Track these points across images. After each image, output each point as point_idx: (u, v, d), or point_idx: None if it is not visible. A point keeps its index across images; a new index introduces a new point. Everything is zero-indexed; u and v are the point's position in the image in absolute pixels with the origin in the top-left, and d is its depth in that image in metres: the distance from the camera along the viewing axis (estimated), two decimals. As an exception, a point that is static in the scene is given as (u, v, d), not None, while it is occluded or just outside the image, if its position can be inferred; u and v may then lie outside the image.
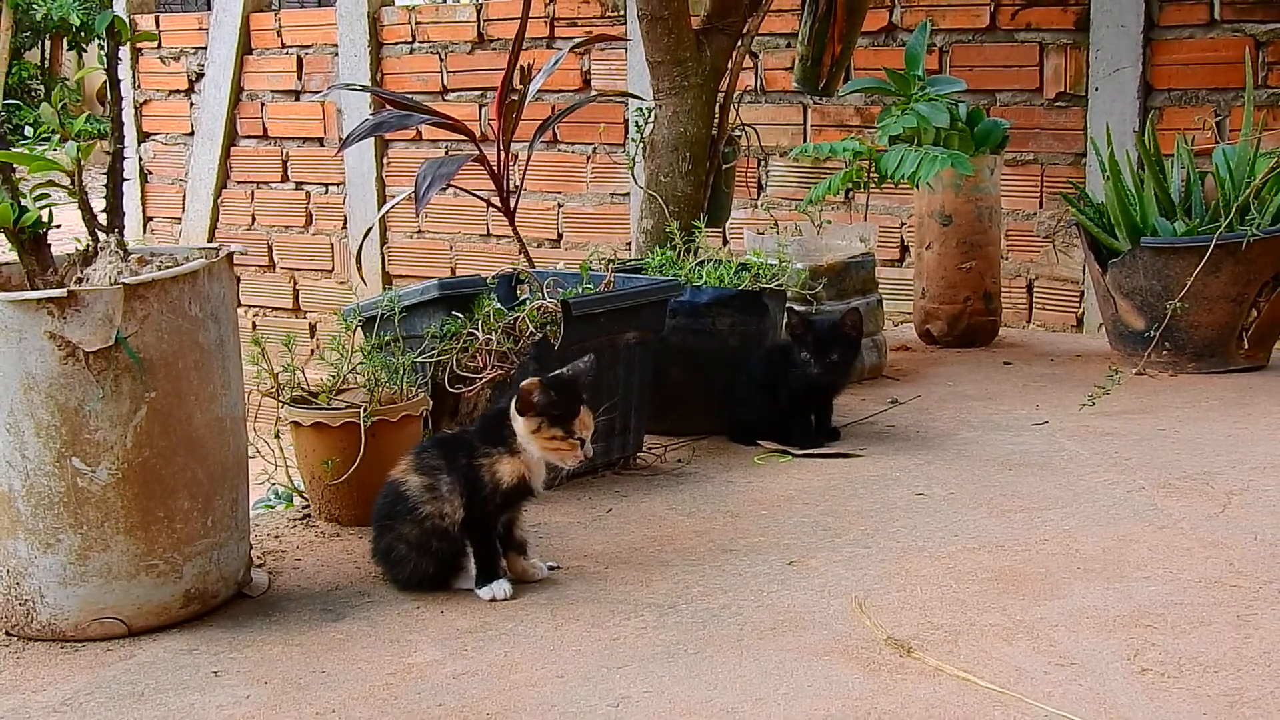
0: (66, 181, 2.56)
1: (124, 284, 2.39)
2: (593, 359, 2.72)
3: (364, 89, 5.50)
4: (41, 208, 2.53)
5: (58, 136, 2.59)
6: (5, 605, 2.50)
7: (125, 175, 2.67)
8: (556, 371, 2.76)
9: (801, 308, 4.00)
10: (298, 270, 7.59)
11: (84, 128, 2.60)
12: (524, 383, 2.65)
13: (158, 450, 2.45)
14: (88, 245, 2.59)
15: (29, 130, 2.71)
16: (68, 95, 2.68)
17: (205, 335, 2.51)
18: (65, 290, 2.36)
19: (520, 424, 2.65)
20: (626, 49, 6.20)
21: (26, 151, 2.56)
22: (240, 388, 2.67)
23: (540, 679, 2.29)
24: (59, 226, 2.58)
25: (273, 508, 3.43)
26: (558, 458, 2.66)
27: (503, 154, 4.05)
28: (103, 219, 2.61)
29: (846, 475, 3.44)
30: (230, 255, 2.63)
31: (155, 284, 2.43)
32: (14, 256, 2.58)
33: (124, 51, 2.63)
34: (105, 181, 2.63)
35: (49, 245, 2.57)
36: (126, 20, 2.54)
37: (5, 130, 2.60)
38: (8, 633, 2.53)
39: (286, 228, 7.59)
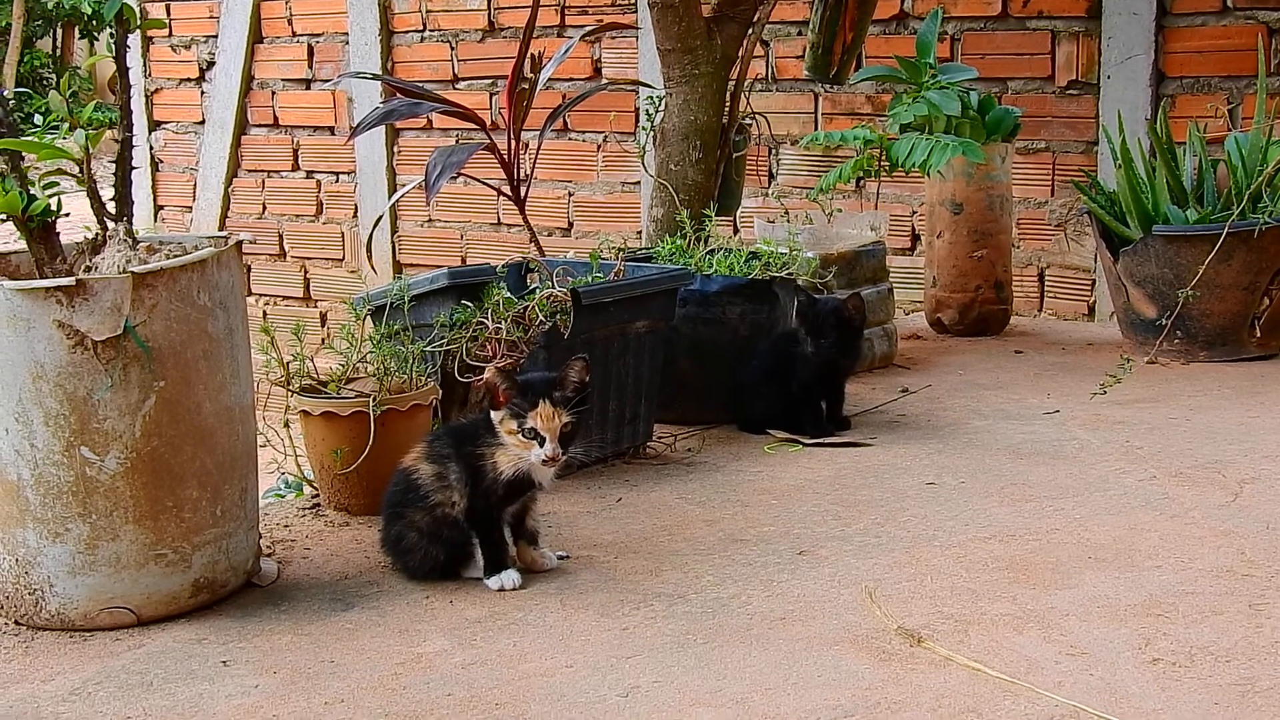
0: (75, 170, 2.55)
1: (132, 273, 2.39)
2: (585, 360, 2.67)
3: (375, 77, 5.49)
4: (50, 196, 2.52)
5: (67, 125, 2.58)
6: (14, 594, 2.50)
7: (135, 164, 2.66)
8: (528, 374, 2.72)
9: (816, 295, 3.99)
10: (308, 259, 7.59)
11: (93, 115, 2.60)
12: (486, 375, 2.63)
13: (166, 439, 2.45)
14: (96, 234, 2.59)
15: (39, 118, 2.70)
16: (79, 84, 2.68)
17: (214, 324, 2.51)
18: (74, 279, 2.36)
19: (495, 418, 2.64)
20: (637, 37, 6.19)
21: (35, 139, 2.55)
22: (249, 377, 2.66)
23: (549, 668, 2.29)
24: (68, 215, 2.57)
25: (282, 497, 3.43)
26: (524, 452, 2.59)
27: (513, 142, 4.04)
28: (112, 207, 2.61)
29: (857, 464, 3.43)
30: (239, 243, 2.63)
31: (164, 273, 2.42)
32: (22, 245, 2.57)
33: (134, 40, 2.61)
34: (115, 170, 2.62)
35: (58, 234, 2.56)
36: (136, 7, 2.52)
37: (16, 118, 2.59)
38: (17, 622, 2.53)
39: (297, 216, 7.58)
